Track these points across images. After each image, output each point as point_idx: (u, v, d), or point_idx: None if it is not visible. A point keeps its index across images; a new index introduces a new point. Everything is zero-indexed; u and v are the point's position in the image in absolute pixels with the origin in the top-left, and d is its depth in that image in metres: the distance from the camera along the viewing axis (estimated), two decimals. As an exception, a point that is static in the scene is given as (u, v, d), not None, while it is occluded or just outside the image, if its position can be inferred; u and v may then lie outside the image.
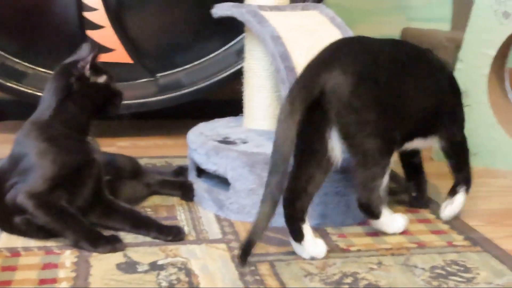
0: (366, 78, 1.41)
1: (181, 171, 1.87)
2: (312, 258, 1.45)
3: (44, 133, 1.51)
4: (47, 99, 1.54)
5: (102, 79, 1.57)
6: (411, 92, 1.51)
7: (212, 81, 2.34)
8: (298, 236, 1.45)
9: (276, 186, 1.34)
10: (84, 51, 1.58)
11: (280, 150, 1.34)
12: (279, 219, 1.61)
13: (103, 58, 2.33)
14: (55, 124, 1.52)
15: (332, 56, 1.42)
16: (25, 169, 1.48)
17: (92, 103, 1.55)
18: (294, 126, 1.34)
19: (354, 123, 1.40)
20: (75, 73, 1.53)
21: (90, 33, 2.34)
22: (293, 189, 1.44)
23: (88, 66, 1.53)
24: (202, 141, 1.73)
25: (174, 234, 1.54)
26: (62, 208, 1.46)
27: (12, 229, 1.52)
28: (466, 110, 1.73)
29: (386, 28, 2.92)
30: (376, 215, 1.52)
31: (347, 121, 1.40)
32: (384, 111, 1.43)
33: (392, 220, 1.58)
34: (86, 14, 2.33)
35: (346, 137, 1.41)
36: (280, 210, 1.60)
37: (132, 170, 1.79)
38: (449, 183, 1.72)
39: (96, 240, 1.45)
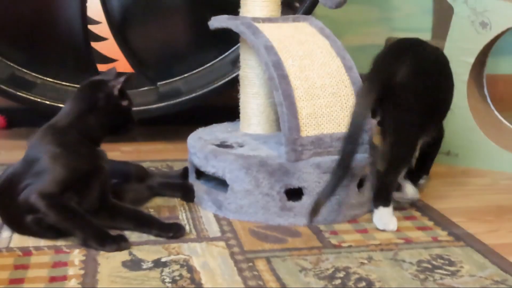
0: (422, 73, 1.57)
1: (187, 172, 1.86)
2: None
3: (58, 138, 1.51)
4: (70, 107, 1.55)
5: (125, 102, 1.58)
6: (444, 92, 1.68)
7: (209, 88, 2.33)
8: None
9: (350, 153, 1.49)
10: (109, 75, 1.60)
11: (357, 122, 1.50)
12: (275, 218, 1.61)
13: (107, 68, 2.35)
14: (71, 131, 1.52)
15: (403, 52, 1.60)
16: (39, 172, 1.47)
17: (110, 121, 1.56)
18: (371, 102, 1.50)
19: (405, 105, 1.54)
20: (105, 90, 1.54)
21: (94, 44, 2.34)
22: None
23: (119, 87, 1.55)
24: (201, 145, 1.73)
25: (174, 230, 1.53)
26: (72, 209, 1.46)
27: (24, 230, 1.51)
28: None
29: (371, 38, 2.92)
30: (388, 201, 1.58)
31: (400, 102, 1.54)
32: (427, 104, 1.58)
33: (391, 218, 1.60)
34: (91, 27, 2.33)
35: (395, 116, 1.55)
36: (276, 210, 1.60)
37: (137, 175, 1.79)
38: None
39: (103, 239, 1.44)
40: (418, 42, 1.67)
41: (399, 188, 1.70)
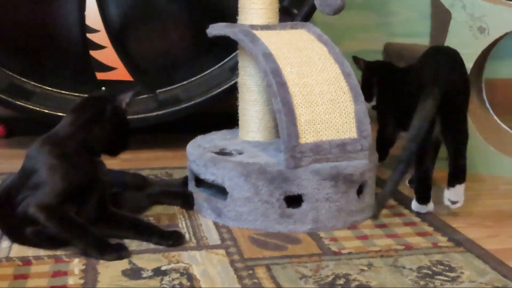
0: (466, 78, 1.76)
1: (187, 181, 1.86)
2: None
3: (57, 149, 1.51)
4: (72, 118, 1.55)
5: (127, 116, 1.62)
6: None
7: (208, 96, 2.33)
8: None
9: (413, 151, 1.62)
10: (103, 92, 1.62)
11: (424, 124, 1.62)
12: (275, 225, 1.61)
13: (106, 76, 2.36)
14: (71, 142, 1.52)
15: (455, 62, 1.76)
16: (36, 184, 1.47)
17: (113, 135, 1.57)
18: (436, 107, 1.63)
19: (460, 106, 1.72)
20: (113, 102, 1.56)
21: (93, 53, 2.34)
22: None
23: (127, 100, 1.57)
24: (200, 153, 1.73)
25: (174, 239, 1.53)
26: (71, 219, 1.45)
27: (23, 241, 1.50)
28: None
29: (369, 43, 2.93)
30: (465, 179, 1.75)
31: (456, 103, 1.71)
32: (467, 102, 1.77)
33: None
34: (89, 36, 2.33)
35: (455, 112, 1.72)
36: (275, 217, 1.60)
37: (136, 184, 1.79)
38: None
39: (103, 248, 1.44)
40: (455, 51, 1.81)
41: (427, 201, 1.76)
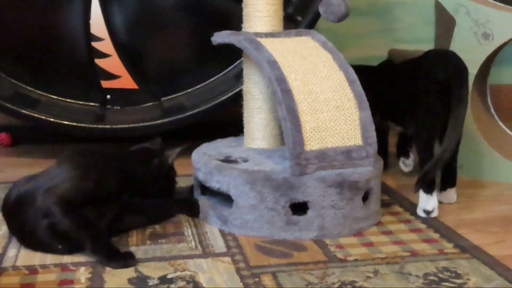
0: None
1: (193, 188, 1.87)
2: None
3: (86, 155, 1.57)
4: (115, 154, 1.66)
5: (172, 173, 1.77)
6: None
7: (213, 103, 2.33)
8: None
9: (460, 132, 1.74)
10: (155, 144, 1.77)
11: (464, 111, 1.73)
12: (281, 233, 1.61)
13: (111, 84, 2.36)
14: (102, 154, 1.58)
15: (462, 62, 1.81)
16: (61, 180, 1.50)
17: (155, 185, 1.67)
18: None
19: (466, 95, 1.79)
20: (161, 158, 1.69)
21: (98, 61, 2.35)
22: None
23: (173, 157, 1.74)
24: (205, 161, 1.73)
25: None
26: (87, 219, 1.46)
27: (32, 240, 1.51)
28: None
29: (373, 49, 2.93)
30: (456, 182, 1.90)
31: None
32: None
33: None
34: (94, 44, 2.34)
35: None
36: (281, 224, 1.61)
37: None
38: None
39: (111, 255, 1.45)
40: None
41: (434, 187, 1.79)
